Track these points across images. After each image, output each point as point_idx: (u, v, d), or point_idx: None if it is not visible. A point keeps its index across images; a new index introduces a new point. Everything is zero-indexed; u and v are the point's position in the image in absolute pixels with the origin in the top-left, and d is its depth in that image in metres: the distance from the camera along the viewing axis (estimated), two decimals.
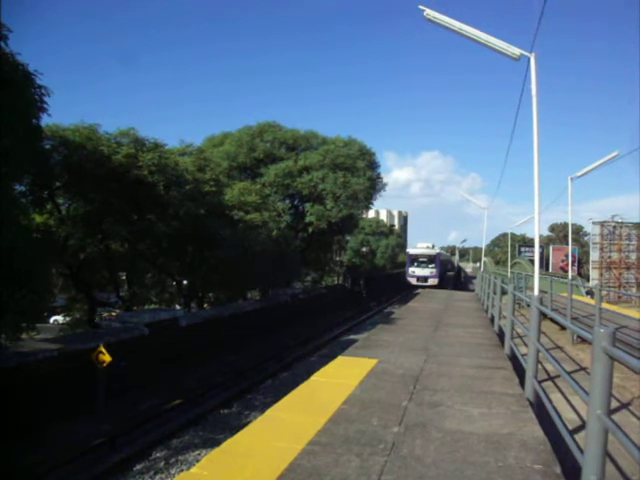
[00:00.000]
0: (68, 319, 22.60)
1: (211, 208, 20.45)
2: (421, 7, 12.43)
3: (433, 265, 47.28)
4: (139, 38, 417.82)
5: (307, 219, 30.31)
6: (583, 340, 10.34)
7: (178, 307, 23.39)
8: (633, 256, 35.43)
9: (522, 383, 6.09)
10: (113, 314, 24.09)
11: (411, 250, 50.03)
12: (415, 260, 47.75)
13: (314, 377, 6.34)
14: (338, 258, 48.07)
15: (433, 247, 50.61)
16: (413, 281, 47.11)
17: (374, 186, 33.09)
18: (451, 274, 68.82)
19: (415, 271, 47.45)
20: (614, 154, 23.51)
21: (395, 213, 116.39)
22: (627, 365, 2.82)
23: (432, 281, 45.82)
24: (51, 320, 30.73)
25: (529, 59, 12.07)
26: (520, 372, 6.59)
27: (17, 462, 9.64)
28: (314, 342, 23.69)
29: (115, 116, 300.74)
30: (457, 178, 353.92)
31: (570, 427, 4.49)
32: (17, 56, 10.82)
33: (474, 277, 57.48)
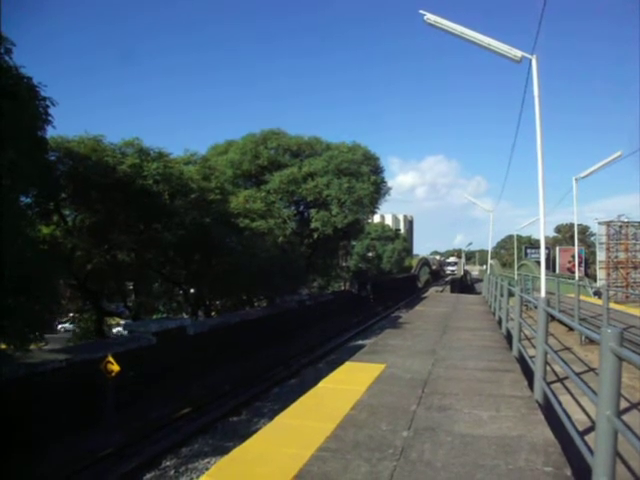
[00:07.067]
0: (76, 329, 22.70)
1: (217, 216, 20.46)
2: (422, 12, 12.48)
3: (457, 265, 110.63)
4: (142, 44, 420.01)
5: (312, 225, 30.22)
6: (592, 341, 10.28)
7: (185, 316, 23.41)
8: None
9: (531, 385, 6.06)
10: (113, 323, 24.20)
11: (446, 260, 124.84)
12: (448, 264, 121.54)
13: (322, 383, 6.33)
14: (344, 263, 48.00)
15: (455, 257, 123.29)
16: (448, 272, 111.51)
17: (379, 191, 32.97)
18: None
19: (449, 268, 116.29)
20: (617, 154, 23.47)
21: (400, 217, 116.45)
22: (636, 365, 2.81)
23: (457, 272, 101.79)
24: (59, 327, 31.08)
25: (531, 61, 12.09)
26: (529, 374, 6.56)
27: (24, 474, 9.65)
28: (322, 348, 23.67)
29: (118, 122, 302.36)
30: (462, 181, 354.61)
31: (580, 428, 4.47)
32: (21, 69, 10.88)
33: (481, 280, 58.38)
